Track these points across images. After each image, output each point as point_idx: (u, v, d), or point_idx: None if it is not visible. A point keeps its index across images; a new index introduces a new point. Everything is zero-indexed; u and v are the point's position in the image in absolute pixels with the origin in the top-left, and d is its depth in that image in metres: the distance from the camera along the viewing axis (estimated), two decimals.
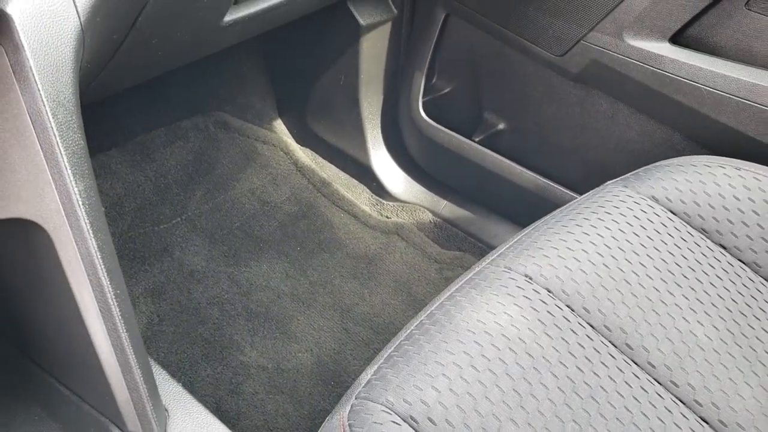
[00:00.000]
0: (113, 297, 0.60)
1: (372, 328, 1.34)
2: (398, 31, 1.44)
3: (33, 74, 0.54)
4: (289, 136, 1.71)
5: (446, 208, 1.53)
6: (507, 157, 1.38)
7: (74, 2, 0.59)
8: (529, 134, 1.36)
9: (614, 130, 1.24)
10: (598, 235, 0.85)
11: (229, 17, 0.91)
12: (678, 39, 1.10)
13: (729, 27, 1.06)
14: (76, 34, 0.59)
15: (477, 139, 1.42)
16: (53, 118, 0.55)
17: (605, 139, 1.25)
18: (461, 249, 1.48)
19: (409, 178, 1.58)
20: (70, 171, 0.55)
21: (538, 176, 1.34)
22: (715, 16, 1.06)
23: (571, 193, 1.30)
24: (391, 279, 1.44)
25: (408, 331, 0.75)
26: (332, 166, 1.65)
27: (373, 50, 1.46)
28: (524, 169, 1.36)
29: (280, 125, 1.71)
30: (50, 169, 0.55)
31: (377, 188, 1.58)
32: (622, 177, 0.97)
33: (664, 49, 1.11)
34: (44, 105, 0.55)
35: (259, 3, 0.95)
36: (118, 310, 0.61)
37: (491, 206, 1.48)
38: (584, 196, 0.94)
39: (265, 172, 1.63)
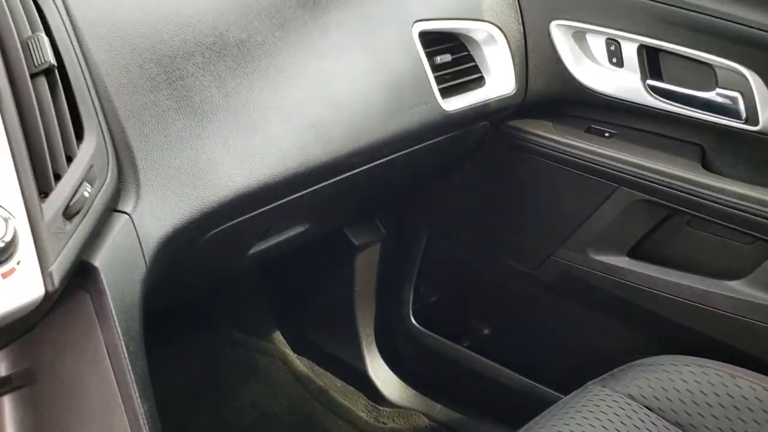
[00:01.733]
0: None
1: None
2: (387, 249, 1.61)
3: (112, 315, 0.67)
4: (287, 346, 1.81)
5: (440, 412, 1.60)
6: (494, 360, 1.49)
7: (143, 253, 0.74)
8: (513, 338, 1.49)
9: (589, 333, 1.37)
10: None
11: (254, 249, 1.06)
12: (635, 253, 1.27)
13: (676, 242, 1.24)
14: (143, 278, 0.73)
15: (465, 344, 1.54)
16: (126, 349, 0.66)
17: (581, 341, 1.37)
18: None
19: (403, 384, 1.66)
20: (137, 394, 0.66)
21: (523, 378, 1.45)
22: (663, 233, 1.24)
23: (556, 393, 1.40)
24: None
25: None
26: (329, 374, 1.73)
27: (366, 266, 1.62)
28: (511, 372, 1.46)
29: (278, 336, 1.82)
30: (121, 393, 0.65)
31: (373, 395, 1.66)
32: (601, 378, 1.08)
33: (623, 262, 1.27)
34: (119, 339, 0.66)
35: (280, 236, 1.10)
36: None
37: (482, 408, 1.56)
38: (568, 397, 1.05)
39: (264, 383, 1.71)
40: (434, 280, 1.59)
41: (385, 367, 1.69)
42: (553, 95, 1.28)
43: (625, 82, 1.21)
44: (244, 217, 0.91)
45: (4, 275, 0.58)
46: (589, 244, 1.30)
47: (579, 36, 1.23)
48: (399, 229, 1.59)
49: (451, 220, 1.50)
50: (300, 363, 1.77)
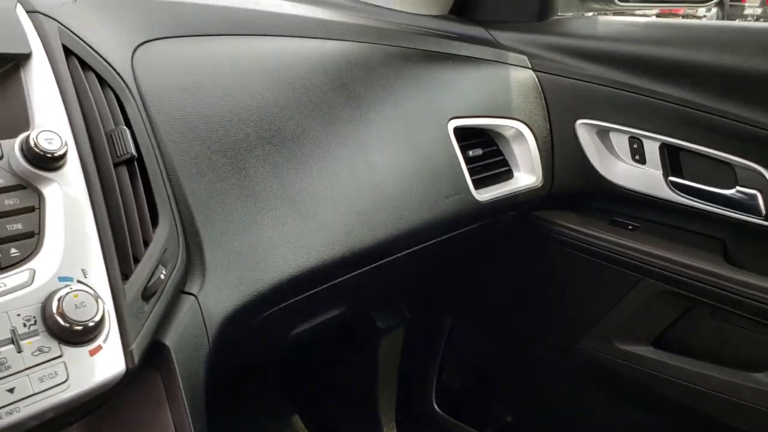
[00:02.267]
0: None
1: None
2: (411, 333, 1.63)
3: (181, 394, 0.69)
4: (305, 430, 1.80)
5: None
6: None
7: (207, 333, 0.77)
8: (537, 427, 1.49)
9: (613, 422, 1.38)
10: None
11: (296, 330, 1.09)
12: (660, 343, 1.30)
13: (701, 333, 1.27)
14: (207, 358, 0.76)
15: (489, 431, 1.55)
16: (192, 428, 0.69)
17: (607, 429, 1.38)
18: None
19: None
20: None
21: None
22: (688, 324, 1.27)
23: None
24: None
25: None
26: None
27: (389, 350, 1.64)
28: None
29: (297, 421, 1.81)
30: None
31: None
32: None
33: (648, 351, 1.30)
34: (187, 416, 0.69)
35: (320, 317, 1.14)
36: None
37: None
38: None
39: None
40: (458, 366, 1.60)
41: None
42: (577, 188, 1.34)
43: (647, 178, 1.27)
44: (294, 299, 0.95)
45: (92, 352, 0.61)
46: (614, 334, 1.33)
47: (603, 134, 1.30)
48: (423, 313, 1.62)
49: (476, 307, 1.53)
50: None
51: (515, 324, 1.47)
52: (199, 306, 0.78)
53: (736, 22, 1.50)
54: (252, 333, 0.93)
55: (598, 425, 1.40)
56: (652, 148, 1.25)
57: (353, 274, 1.03)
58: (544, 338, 1.43)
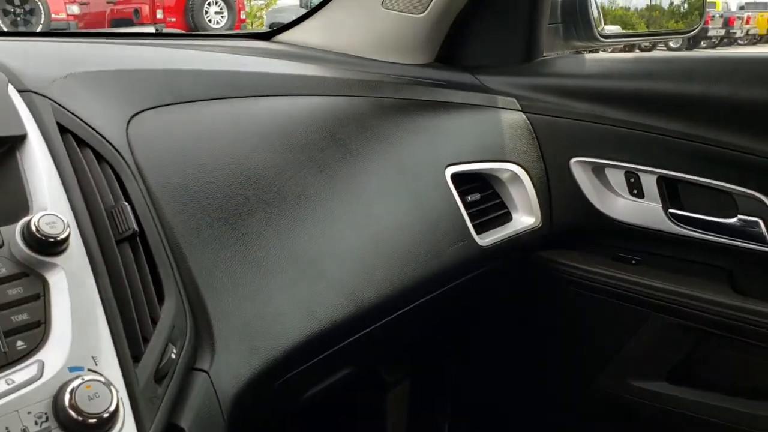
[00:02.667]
0: None
1: None
2: (419, 384, 1.60)
3: None
4: None
5: None
6: None
7: (221, 411, 0.74)
8: None
9: None
10: None
11: (308, 393, 1.06)
12: (674, 377, 1.28)
13: (715, 365, 1.25)
14: None
15: None
16: None
17: None
18: None
19: None
20: None
21: None
22: (701, 357, 1.26)
23: None
24: None
25: None
26: None
27: (397, 404, 1.60)
28: None
29: None
30: None
31: None
32: None
33: (663, 387, 1.28)
34: None
35: (330, 378, 1.11)
36: None
37: None
38: None
39: None
40: (469, 414, 1.57)
41: None
42: (577, 226, 1.34)
43: (647, 212, 1.26)
44: (305, 365, 0.92)
45: None
46: (628, 371, 1.31)
47: (598, 170, 1.30)
48: (430, 363, 1.59)
49: (485, 352, 1.50)
50: None
51: (526, 368, 1.44)
52: (212, 382, 0.75)
53: (726, 52, 1.52)
54: (264, 403, 0.90)
55: None
56: (649, 182, 1.25)
57: (362, 333, 1.00)
58: (557, 380, 1.40)
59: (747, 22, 19.98)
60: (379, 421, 1.60)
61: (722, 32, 18.80)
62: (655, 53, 1.49)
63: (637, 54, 1.39)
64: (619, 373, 1.32)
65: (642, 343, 1.28)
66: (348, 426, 1.67)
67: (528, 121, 1.32)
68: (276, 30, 1.50)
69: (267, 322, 0.84)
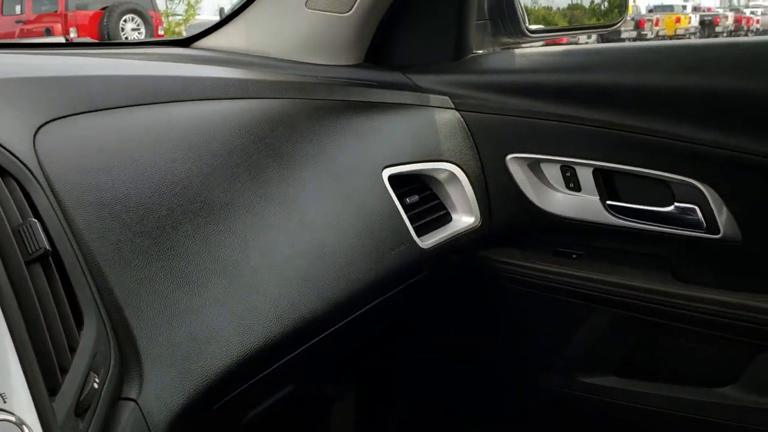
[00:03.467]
0: None
1: None
2: (363, 396, 1.55)
3: None
4: None
5: None
6: None
7: None
8: None
9: None
10: None
11: (248, 416, 1.00)
12: (622, 370, 1.27)
13: (661, 354, 1.25)
14: None
15: None
16: None
17: None
18: None
19: None
20: None
21: None
22: (647, 347, 1.25)
23: None
24: None
25: None
26: None
27: (343, 420, 1.54)
28: None
29: None
30: None
31: None
32: None
33: (611, 381, 1.27)
34: None
35: (271, 398, 1.04)
36: None
37: None
38: None
39: None
40: (418, 422, 1.53)
41: None
42: (516, 223, 1.32)
43: (585, 205, 1.25)
44: (243, 386, 0.86)
45: None
46: (574, 367, 1.29)
47: (534, 166, 1.28)
48: (374, 372, 1.54)
49: (429, 356, 1.47)
50: None
51: (471, 370, 1.41)
52: (141, 412, 0.68)
53: (654, 41, 1.53)
54: (201, 428, 0.83)
55: None
56: (585, 175, 1.24)
57: (304, 347, 0.95)
58: (503, 381, 1.38)
59: (656, 24, 20.91)
60: None
61: (634, 34, 19.60)
62: (584, 45, 1.49)
63: (566, 47, 1.38)
64: (566, 370, 1.30)
65: (587, 337, 1.27)
66: None
67: (462, 119, 1.29)
68: (195, 36, 1.43)
69: (199, 341, 0.77)
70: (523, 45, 1.44)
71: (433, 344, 1.45)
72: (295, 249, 0.94)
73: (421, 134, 1.24)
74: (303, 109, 1.12)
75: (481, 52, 1.42)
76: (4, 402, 0.54)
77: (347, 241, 1.01)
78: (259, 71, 1.20)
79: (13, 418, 0.52)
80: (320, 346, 0.99)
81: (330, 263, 0.97)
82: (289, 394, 1.16)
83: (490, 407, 1.42)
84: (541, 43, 1.65)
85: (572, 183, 1.26)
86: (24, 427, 0.52)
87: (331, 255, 0.98)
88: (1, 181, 0.68)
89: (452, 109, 1.30)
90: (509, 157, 1.28)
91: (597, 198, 1.24)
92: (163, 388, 0.72)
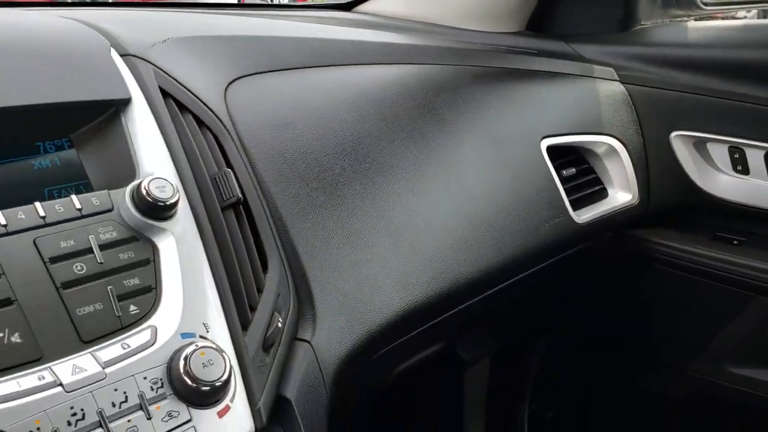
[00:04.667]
0: None
1: None
2: (499, 363, 1.56)
3: None
4: None
5: None
6: None
7: (324, 382, 0.72)
8: None
9: None
10: None
11: (400, 367, 1.04)
12: None
13: None
14: (326, 407, 0.71)
15: None
16: None
17: None
18: None
19: None
20: None
21: None
22: None
23: None
24: None
25: None
26: None
27: (475, 382, 1.56)
28: None
29: None
30: None
31: None
32: None
33: (764, 374, 1.20)
34: None
35: (422, 353, 1.08)
36: None
37: None
38: None
39: None
40: (551, 398, 1.52)
41: None
42: (675, 204, 1.27)
43: (752, 189, 1.19)
44: (399, 340, 0.90)
45: (220, 414, 0.57)
46: (726, 358, 1.24)
47: (700, 145, 1.22)
48: (511, 342, 1.55)
49: (570, 335, 1.45)
50: None
51: (613, 350, 1.39)
52: (314, 353, 0.73)
53: None
54: (359, 377, 0.88)
55: None
56: (756, 157, 1.17)
57: (457, 309, 0.97)
58: (647, 365, 1.34)
59: None
60: (456, 400, 1.57)
61: None
62: (765, 20, 1.39)
63: (746, 22, 1.30)
64: (717, 359, 1.25)
65: (744, 328, 1.21)
66: (427, 403, 1.64)
67: (626, 92, 1.25)
68: (356, 1, 1.47)
69: (365, 293, 0.82)
70: (694, 18, 1.37)
71: (577, 321, 1.44)
72: (454, 214, 0.96)
73: (582, 105, 1.21)
74: (465, 76, 1.12)
75: (649, 23, 1.36)
76: (207, 331, 0.59)
77: (504, 209, 1.02)
78: (422, 37, 1.22)
79: (215, 346, 0.58)
80: (469, 311, 1.01)
81: (486, 230, 0.98)
82: (436, 352, 1.19)
83: (628, 390, 1.39)
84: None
85: (740, 165, 1.19)
86: (225, 356, 0.57)
87: (487, 222, 0.99)
88: (199, 132, 0.74)
89: (616, 81, 1.26)
90: (674, 134, 1.23)
91: (767, 183, 1.16)
92: (332, 334, 0.76)
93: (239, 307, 0.64)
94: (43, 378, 0.50)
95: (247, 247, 0.69)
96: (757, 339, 1.21)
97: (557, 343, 1.48)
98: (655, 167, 1.25)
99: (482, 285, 0.98)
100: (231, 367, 0.58)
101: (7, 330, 0.51)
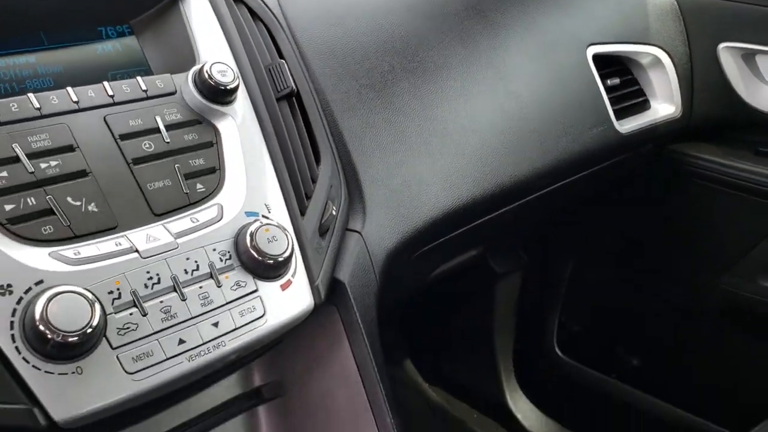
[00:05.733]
0: None
1: None
2: (530, 276, 1.59)
3: (360, 328, 0.68)
4: (419, 375, 1.79)
5: None
6: (645, 392, 1.44)
7: (374, 270, 0.75)
8: (668, 370, 1.44)
9: (755, 365, 1.31)
10: None
11: (437, 270, 1.07)
12: None
13: None
14: (377, 293, 0.74)
15: (613, 376, 1.50)
16: (374, 362, 0.67)
17: (752, 374, 1.31)
18: None
19: (546, 416, 1.62)
20: (388, 408, 0.66)
21: (682, 411, 1.39)
22: None
23: (717, 427, 1.33)
24: None
25: None
26: (464, 405, 1.71)
27: (507, 295, 1.60)
28: (667, 405, 1.41)
29: (409, 365, 1.81)
30: (372, 407, 0.66)
31: (513, 427, 1.62)
32: None
33: None
34: (368, 351, 0.68)
35: (458, 258, 1.10)
36: None
37: None
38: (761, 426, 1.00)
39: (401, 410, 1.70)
40: (580, 310, 1.56)
41: (525, 399, 1.65)
42: (719, 118, 1.26)
43: None
44: (443, 238, 0.92)
45: (283, 287, 0.60)
46: (759, 271, 1.25)
47: (748, 57, 1.20)
48: (543, 256, 1.57)
49: (602, 247, 1.47)
50: (434, 393, 1.75)
51: (645, 263, 1.40)
52: (365, 243, 0.76)
53: None
54: (403, 273, 0.91)
55: (738, 371, 1.34)
56: None
57: (498, 212, 0.99)
58: (679, 278, 1.36)
59: None
60: (487, 312, 1.61)
61: None
62: None
63: None
64: (750, 274, 1.26)
65: None
66: (452, 314, 1.69)
67: (675, 2, 1.22)
68: None
69: (412, 190, 0.83)
70: None
71: (607, 233, 1.45)
72: (500, 117, 0.96)
73: (630, 14, 1.19)
74: None
75: None
76: (269, 211, 0.62)
77: (549, 114, 1.02)
78: None
79: (277, 224, 0.60)
80: (512, 214, 1.03)
81: (531, 134, 0.99)
82: (471, 260, 1.22)
83: (659, 304, 1.41)
84: None
85: None
86: (287, 234, 0.60)
87: (532, 125, 0.99)
88: (253, 24, 0.74)
89: None
90: (722, 45, 1.20)
91: None
92: (381, 227, 0.79)
93: (297, 192, 0.66)
94: (120, 244, 0.53)
95: (301, 138, 0.71)
96: None
97: (586, 257, 1.50)
98: (700, 80, 1.24)
99: (525, 189, 0.99)
100: (293, 244, 0.60)
101: (84, 199, 0.53)
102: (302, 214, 0.66)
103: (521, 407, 1.64)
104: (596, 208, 1.42)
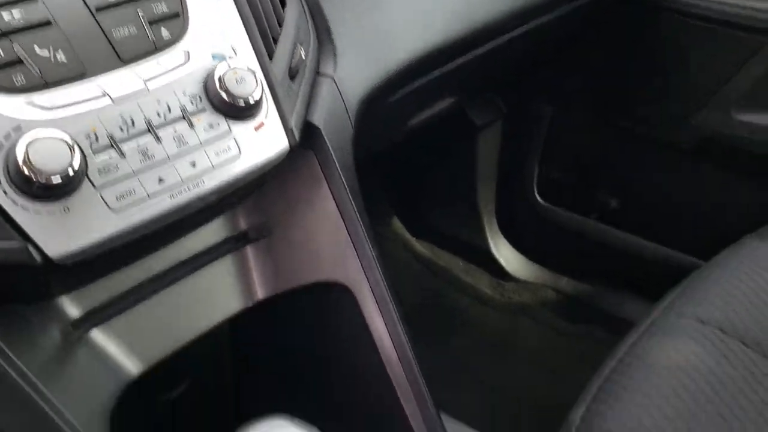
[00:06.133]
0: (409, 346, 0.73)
1: (518, 402, 1.42)
2: (510, 126, 1.61)
3: (338, 170, 0.70)
4: (405, 230, 1.85)
5: (568, 284, 1.63)
6: (625, 230, 1.50)
7: (348, 114, 0.76)
8: (645, 208, 1.49)
9: (732, 195, 1.35)
10: (755, 279, 0.96)
11: (413, 120, 1.08)
12: None
13: None
14: (352, 138, 0.76)
15: (593, 218, 1.55)
16: (353, 202, 0.70)
17: (723, 204, 1.36)
18: (589, 322, 1.57)
19: (527, 260, 1.70)
20: (368, 241, 0.70)
21: (658, 246, 1.46)
22: None
23: (693, 259, 1.40)
24: (526, 356, 1.53)
25: (605, 375, 0.85)
26: (450, 255, 1.78)
27: (487, 145, 1.63)
28: (644, 241, 1.47)
29: (395, 221, 1.86)
30: (353, 241, 0.70)
31: (497, 271, 1.70)
32: (757, 232, 1.08)
33: None
34: (347, 191, 0.70)
35: (433, 108, 1.11)
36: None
37: (613, 278, 1.58)
38: (727, 250, 1.05)
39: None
40: (560, 155, 1.58)
41: (508, 244, 1.72)
42: None
43: None
44: (417, 82, 0.93)
45: (256, 128, 0.61)
46: (733, 105, 1.27)
47: None
48: (521, 105, 1.58)
49: (576, 92, 1.48)
50: (420, 246, 1.82)
51: (619, 104, 1.41)
52: (337, 87, 0.77)
53: None
54: (378, 120, 0.92)
55: (715, 205, 1.38)
56: None
57: (472, 55, 0.99)
58: (652, 116, 1.37)
59: None
60: (468, 162, 1.64)
61: None
62: None
63: None
64: (725, 107, 1.28)
65: (753, 74, 1.23)
66: (434, 167, 1.72)
67: None
68: None
69: (381, 34, 0.83)
70: None
71: (582, 75, 1.44)
72: None
73: None
74: None
75: None
76: (235, 54, 0.62)
77: None
78: None
79: (245, 66, 0.61)
80: (483, 58, 1.03)
81: None
82: (450, 106, 1.23)
83: (635, 143, 1.44)
84: None
85: None
86: (256, 74, 0.60)
87: None
88: None
89: None
90: None
91: None
92: (353, 70, 0.79)
93: (263, 35, 0.66)
94: (91, 90, 0.54)
95: None
96: (763, 85, 1.23)
97: (563, 103, 1.51)
98: None
99: (497, 29, 0.98)
100: (263, 86, 0.61)
101: (50, 47, 0.54)
102: (270, 57, 0.66)
103: (504, 253, 1.71)
104: (572, 53, 1.41)
